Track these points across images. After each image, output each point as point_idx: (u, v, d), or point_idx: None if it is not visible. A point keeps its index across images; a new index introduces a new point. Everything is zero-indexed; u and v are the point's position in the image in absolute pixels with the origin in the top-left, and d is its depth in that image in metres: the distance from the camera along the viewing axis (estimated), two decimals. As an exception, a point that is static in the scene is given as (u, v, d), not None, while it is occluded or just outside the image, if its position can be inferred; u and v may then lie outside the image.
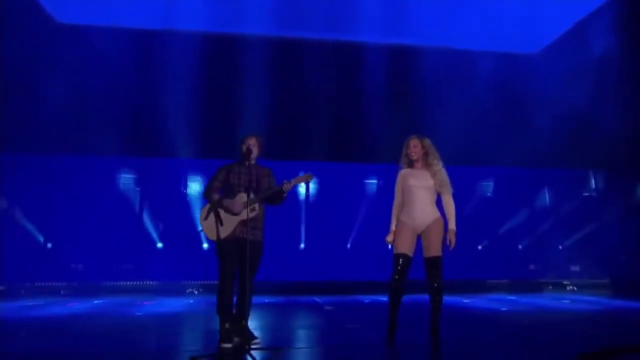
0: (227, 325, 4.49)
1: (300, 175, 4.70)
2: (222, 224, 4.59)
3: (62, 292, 10.10)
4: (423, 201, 4.58)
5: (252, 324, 5.45)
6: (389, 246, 4.66)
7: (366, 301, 9.37)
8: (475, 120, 11.21)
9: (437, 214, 4.60)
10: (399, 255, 4.51)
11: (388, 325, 4.43)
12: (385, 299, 4.78)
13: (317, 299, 9.56)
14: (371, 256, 10.89)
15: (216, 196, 4.66)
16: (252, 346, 4.22)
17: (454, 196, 4.68)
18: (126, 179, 10.94)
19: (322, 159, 10.98)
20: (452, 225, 4.55)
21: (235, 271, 4.57)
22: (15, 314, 7.24)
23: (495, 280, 11.71)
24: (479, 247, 12.05)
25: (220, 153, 10.34)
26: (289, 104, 10.71)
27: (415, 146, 4.68)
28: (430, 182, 4.61)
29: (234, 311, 4.55)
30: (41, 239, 10.76)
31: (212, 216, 4.63)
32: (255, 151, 4.76)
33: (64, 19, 10.03)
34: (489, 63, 11.00)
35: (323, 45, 10.56)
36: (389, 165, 11.54)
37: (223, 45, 10.35)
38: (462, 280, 10.62)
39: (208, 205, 4.67)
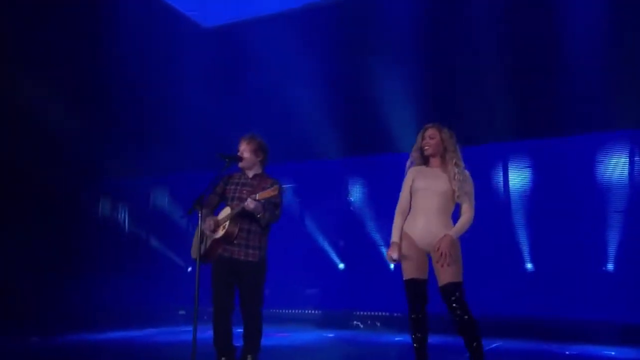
0: None
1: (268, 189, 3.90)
2: (201, 242, 4.12)
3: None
4: (431, 211, 3.62)
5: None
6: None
7: (567, 352, 6.11)
8: None
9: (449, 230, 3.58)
10: (406, 283, 3.65)
11: None
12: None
13: (502, 342, 6.51)
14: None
15: (205, 212, 4.12)
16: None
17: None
18: (286, 189, 9.55)
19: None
20: (451, 230, 3.57)
21: (228, 297, 4.16)
22: (149, 339, 7.15)
23: None
24: None
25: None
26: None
27: (432, 137, 3.74)
28: (445, 186, 3.63)
29: (232, 343, 4.16)
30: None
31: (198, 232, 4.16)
32: (248, 158, 4.23)
33: (208, 23, 9.31)
34: None
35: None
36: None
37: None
38: None
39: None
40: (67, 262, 9.18)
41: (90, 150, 9.26)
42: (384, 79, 8.10)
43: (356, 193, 8.89)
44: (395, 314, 8.31)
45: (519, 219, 8.09)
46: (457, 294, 3.43)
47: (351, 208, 8.90)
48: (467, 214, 3.60)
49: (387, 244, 8.71)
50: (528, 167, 8.21)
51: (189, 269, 10.07)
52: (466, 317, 3.39)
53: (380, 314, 8.42)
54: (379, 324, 8.34)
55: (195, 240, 4.15)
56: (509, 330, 7.16)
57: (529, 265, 7.66)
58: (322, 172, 9.02)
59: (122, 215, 10.76)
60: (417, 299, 3.57)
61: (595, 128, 7.68)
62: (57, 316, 8.28)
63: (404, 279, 3.63)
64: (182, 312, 9.66)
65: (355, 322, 8.40)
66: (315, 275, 8.91)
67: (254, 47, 8.88)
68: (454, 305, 3.41)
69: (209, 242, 4.19)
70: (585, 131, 7.70)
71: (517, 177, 8.34)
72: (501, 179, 8.48)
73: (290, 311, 8.94)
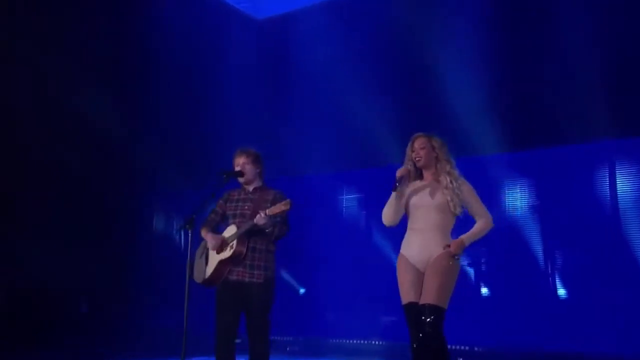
0: None
1: (279, 203, 3.60)
2: (206, 264, 3.87)
3: (287, 349, 8.13)
4: (427, 228, 3.33)
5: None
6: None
7: None
8: None
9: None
10: (405, 308, 3.33)
11: None
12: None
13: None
14: None
15: (205, 231, 3.94)
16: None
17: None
18: (349, 200, 8.38)
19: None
20: (464, 235, 3.33)
21: (232, 324, 3.85)
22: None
23: None
24: None
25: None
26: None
27: (421, 147, 3.46)
28: (439, 198, 3.33)
29: None
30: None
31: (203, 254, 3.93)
32: (249, 170, 3.92)
33: (262, 15, 8.51)
34: None
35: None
36: None
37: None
38: None
39: (202, 243, 4.01)
40: (121, 282, 8.71)
41: (147, 162, 8.68)
42: (457, 79, 6.94)
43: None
44: (476, 348, 7.02)
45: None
46: (432, 317, 3.15)
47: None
48: (482, 219, 3.37)
49: (475, 263, 7.23)
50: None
51: None
52: (433, 346, 3.15)
53: (462, 348, 7.03)
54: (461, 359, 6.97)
55: (197, 263, 3.91)
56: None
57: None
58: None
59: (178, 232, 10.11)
60: (418, 326, 3.24)
61: None
62: (109, 338, 7.99)
63: (402, 303, 3.36)
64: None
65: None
66: (386, 300, 7.67)
67: (308, 39, 8.05)
68: (425, 329, 3.14)
69: (214, 264, 3.81)
70: None
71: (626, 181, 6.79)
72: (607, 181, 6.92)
73: (350, 341, 7.84)
